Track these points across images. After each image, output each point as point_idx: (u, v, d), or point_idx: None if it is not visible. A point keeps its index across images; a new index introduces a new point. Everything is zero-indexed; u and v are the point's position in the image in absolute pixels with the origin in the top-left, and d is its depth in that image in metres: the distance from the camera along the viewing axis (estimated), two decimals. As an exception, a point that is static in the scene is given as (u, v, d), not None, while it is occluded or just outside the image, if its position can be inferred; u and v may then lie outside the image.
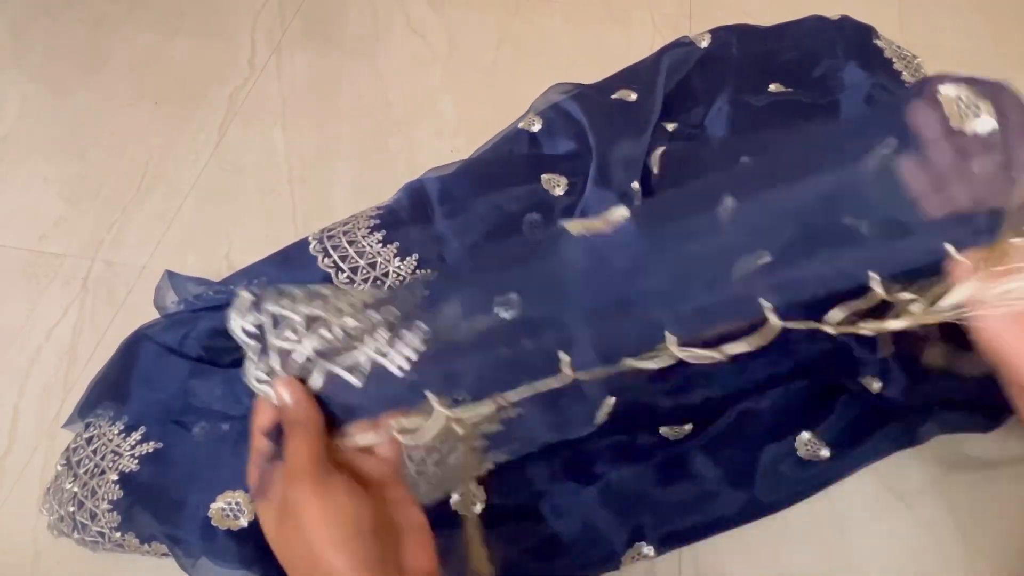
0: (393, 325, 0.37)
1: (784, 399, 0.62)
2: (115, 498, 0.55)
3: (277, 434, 0.36)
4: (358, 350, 0.36)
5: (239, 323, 0.38)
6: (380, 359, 0.36)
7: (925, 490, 0.60)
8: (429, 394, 0.36)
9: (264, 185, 0.81)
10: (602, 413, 0.58)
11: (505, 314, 0.37)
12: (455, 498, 0.55)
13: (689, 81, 0.76)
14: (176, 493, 0.54)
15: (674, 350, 0.35)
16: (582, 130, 0.72)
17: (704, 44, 0.79)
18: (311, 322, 0.37)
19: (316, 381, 0.37)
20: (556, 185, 0.68)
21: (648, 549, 0.57)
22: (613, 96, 0.74)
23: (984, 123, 0.34)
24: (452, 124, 0.85)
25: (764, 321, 0.35)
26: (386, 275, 0.62)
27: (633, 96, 0.74)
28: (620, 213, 0.37)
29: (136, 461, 0.56)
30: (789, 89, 0.76)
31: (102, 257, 0.76)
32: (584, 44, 0.92)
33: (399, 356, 0.36)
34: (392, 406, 0.37)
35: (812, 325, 0.35)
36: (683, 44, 0.79)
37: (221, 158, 0.83)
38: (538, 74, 0.87)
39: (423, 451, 0.49)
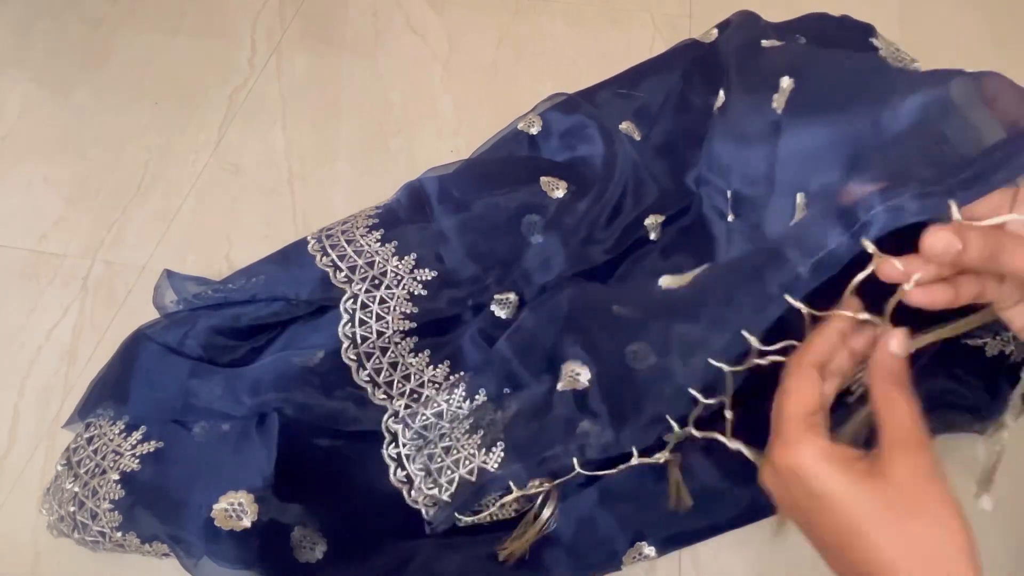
0: None
1: (785, 399, 0.62)
2: (116, 498, 0.55)
3: None
4: None
5: None
6: None
7: (925, 490, 0.60)
8: None
9: (264, 185, 0.81)
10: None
11: None
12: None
13: (691, 80, 0.76)
14: (178, 493, 0.54)
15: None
16: (580, 136, 0.72)
17: (712, 40, 0.78)
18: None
19: None
20: (555, 188, 0.68)
21: (649, 549, 0.57)
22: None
23: None
24: (452, 124, 0.85)
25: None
26: (384, 274, 0.62)
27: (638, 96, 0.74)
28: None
29: (137, 461, 0.56)
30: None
31: (102, 257, 0.76)
32: (584, 44, 0.92)
33: None
34: None
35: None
36: (688, 45, 0.79)
37: (221, 158, 0.83)
38: (538, 74, 0.87)
39: None
